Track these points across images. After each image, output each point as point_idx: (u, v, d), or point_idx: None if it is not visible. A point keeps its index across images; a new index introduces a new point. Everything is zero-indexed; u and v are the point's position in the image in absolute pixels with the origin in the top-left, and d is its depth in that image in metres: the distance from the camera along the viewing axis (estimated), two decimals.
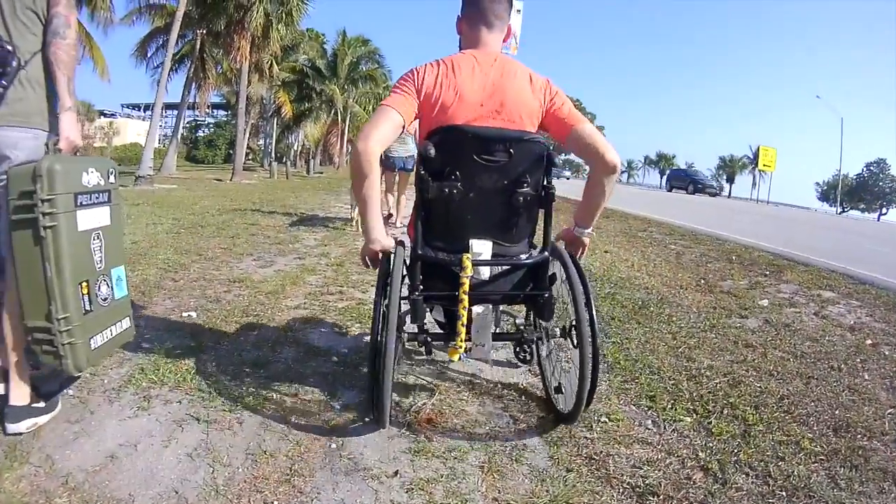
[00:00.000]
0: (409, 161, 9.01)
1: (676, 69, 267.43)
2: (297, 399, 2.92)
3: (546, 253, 2.63)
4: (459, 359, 2.61)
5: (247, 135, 37.30)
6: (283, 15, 23.47)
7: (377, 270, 2.61)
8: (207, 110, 53.92)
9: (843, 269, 6.99)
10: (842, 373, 3.68)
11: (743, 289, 5.91)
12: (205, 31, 24.68)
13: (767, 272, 6.75)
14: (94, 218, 2.36)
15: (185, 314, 4.11)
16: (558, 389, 2.83)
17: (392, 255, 2.54)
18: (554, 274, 2.70)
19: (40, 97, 2.30)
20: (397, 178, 9.50)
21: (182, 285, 4.94)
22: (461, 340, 2.47)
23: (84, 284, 2.31)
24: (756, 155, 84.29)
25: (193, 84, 28.34)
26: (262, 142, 43.22)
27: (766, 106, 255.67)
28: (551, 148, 2.52)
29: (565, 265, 2.58)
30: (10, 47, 2.18)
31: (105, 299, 2.44)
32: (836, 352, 4.08)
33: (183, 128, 59.72)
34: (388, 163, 8.92)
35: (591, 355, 2.44)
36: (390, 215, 9.37)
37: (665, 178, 42.93)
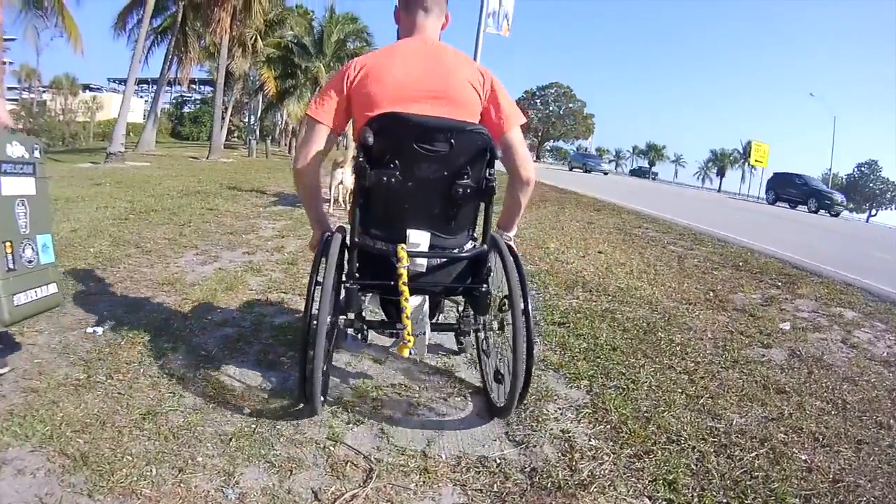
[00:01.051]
0: None
1: (670, 62, 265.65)
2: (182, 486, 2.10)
3: (484, 246, 2.59)
4: (410, 353, 2.48)
5: (229, 112, 36.43)
6: None
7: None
8: (193, 86, 52.96)
9: (860, 283, 6.22)
10: (893, 432, 2.97)
11: (757, 304, 5.14)
12: (186, 3, 23.48)
13: (780, 283, 5.98)
14: (18, 185, 2.56)
15: (90, 329, 3.42)
16: (497, 378, 2.76)
17: (330, 240, 2.51)
18: (489, 267, 2.64)
19: None
20: None
21: (102, 287, 4.30)
22: (407, 333, 2.41)
23: (8, 244, 2.48)
24: (746, 150, 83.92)
25: (175, 58, 27.24)
26: (246, 119, 42.26)
27: (758, 102, 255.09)
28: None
29: (502, 257, 2.55)
30: None
31: (30, 261, 2.60)
32: (878, 399, 3.37)
33: (168, 104, 59.21)
34: None
35: (524, 350, 2.41)
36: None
37: (766, 187, 32.63)
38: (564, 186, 18.68)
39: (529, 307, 2.44)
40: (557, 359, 3.51)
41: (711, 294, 5.35)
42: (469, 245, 2.62)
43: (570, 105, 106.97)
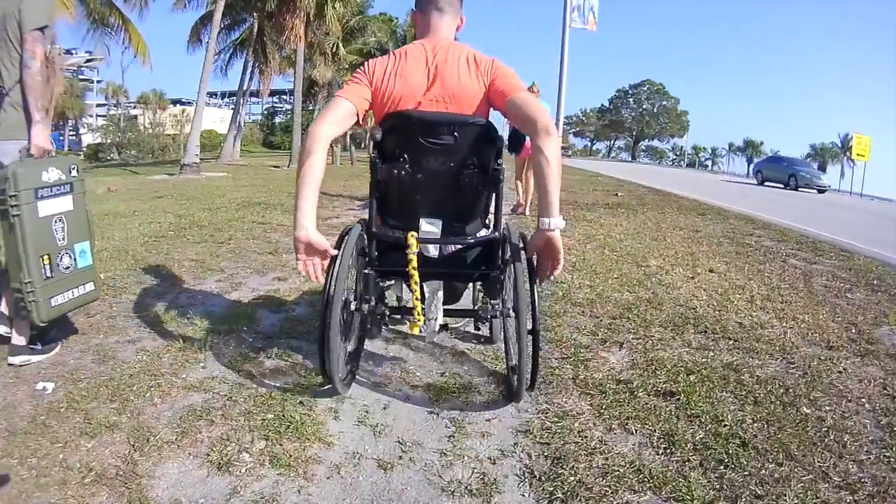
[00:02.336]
0: None
1: (766, 55, 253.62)
2: None
3: (495, 233, 2.67)
4: (420, 331, 2.61)
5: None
6: None
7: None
8: (284, 96, 53.64)
9: None
10: None
11: None
12: (262, 14, 23.10)
13: None
14: (54, 206, 2.91)
15: (41, 384, 2.86)
16: (513, 369, 2.71)
17: (350, 230, 2.60)
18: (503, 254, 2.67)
19: (20, 115, 2.91)
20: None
21: (85, 327, 3.64)
22: (418, 314, 2.54)
23: (46, 257, 2.87)
24: (845, 143, 78.76)
25: (255, 70, 27.05)
26: None
27: (860, 93, 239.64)
28: (497, 131, 2.53)
29: (509, 246, 2.59)
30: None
31: (67, 268, 3.00)
32: None
33: (260, 114, 60.32)
34: None
35: (529, 333, 2.44)
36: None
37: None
38: (661, 187, 17.17)
39: (535, 296, 2.49)
40: (660, 465, 2.27)
41: (853, 330, 4.07)
42: (483, 232, 2.74)
43: (664, 103, 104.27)
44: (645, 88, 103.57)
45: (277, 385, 2.87)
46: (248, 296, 4.36)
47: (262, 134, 55.48)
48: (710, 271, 5.59)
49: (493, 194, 2.65)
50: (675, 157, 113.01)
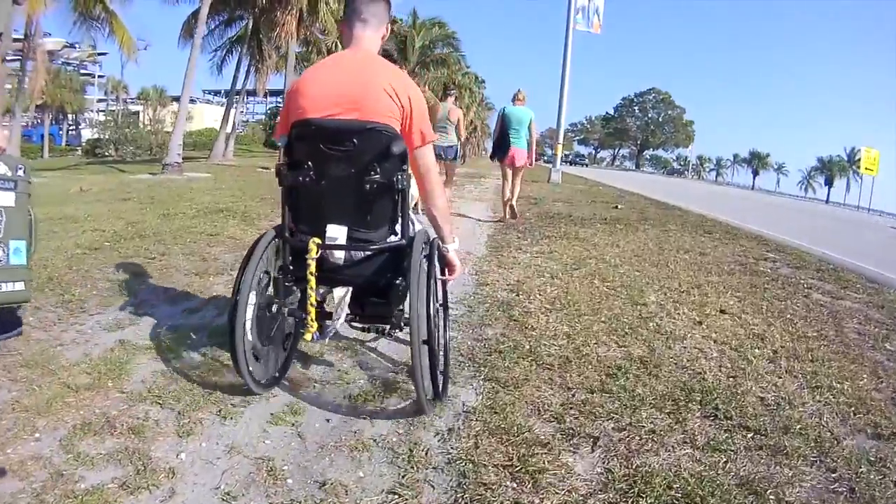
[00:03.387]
0: (449, 150, 9.44)
1: (772, 65, 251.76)
2: None
3: (402, 240, 2.68)
4: (313, 339, 2.67)
5: None
6: None
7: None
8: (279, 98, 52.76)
9: None
10: None
11: None
12: (257, 11, 22.09)
13: None
14: None
15: None
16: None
17: (262, 236, 2.74)
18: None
19: None
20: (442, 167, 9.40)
21: None
22: (311, 320, 2.61)
23: None
24: (851, 157, 77.49)
25: (252, 68, 26.07)
26: None
27: (868, 107, 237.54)
28: (400, 138, 2.53)
29: (411, 256, 2.58)
30: None
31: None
32: None
33: (263, 114, 59.34)
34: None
35: (419, 345, 2.46)
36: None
37: None
38: (666, 200, 16.16)
39: (431, 309, 2.49)
40: None
41: None
42: (392, 239, 2.71)
43: (669, 112, 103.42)
44: (651, 97, 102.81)
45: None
46: (138, 335, 3.51)
47: (265, 134, 54.47)
48: (722, 312, 4.57)
49: (400, 201, 2.64)
50: (679, 167, 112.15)
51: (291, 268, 2.75)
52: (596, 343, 3.65)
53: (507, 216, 9.30)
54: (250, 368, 2.64)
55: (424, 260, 2.59)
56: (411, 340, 2.46)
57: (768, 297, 5.23)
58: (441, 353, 2.81)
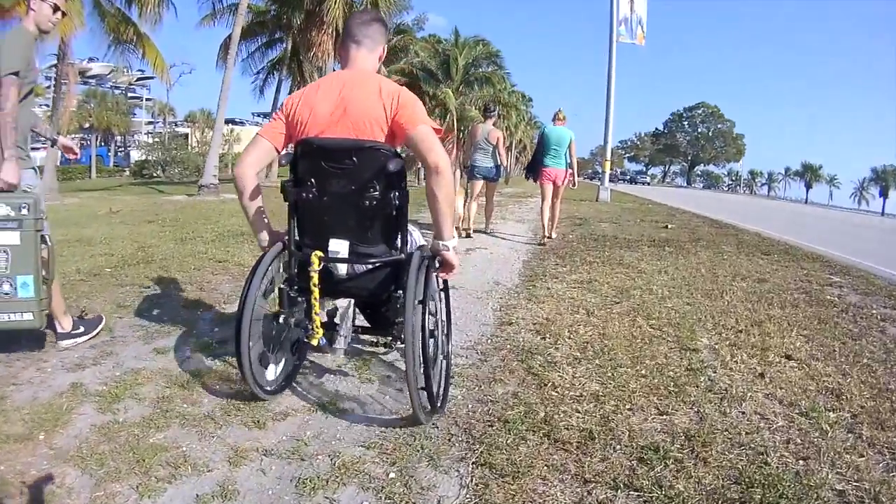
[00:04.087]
0: (491, 171, 9.38)
1: (823, 76, 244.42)
2: None
3: (401, 255, 2.77)
4: (319, 344, 2.80)
5: None
6: (369, 6, 19.99)
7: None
8: None
9: None
10: None
11: None
12: (291, 30, 21.86)
13: None
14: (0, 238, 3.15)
15: None
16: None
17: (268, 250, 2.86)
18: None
19: None
20: (483, 187, 9.71)
21: None
22: (316, 327, 2.74)
23: None
24: None
25: (293, 89, 25.90)
26: None
27: None
28: (397, 155, 2.64)
29: (408, 269, 2.61)
30: None
31: (6, 293, 3.16)
32: None
33: None
34: (471, 173, 9.42)
35: (413, 357, 2.49)
36: (468, 227, 9.49)
37: None
38: (719, 217, 15.23)
39: (425, 320, 2.59)
40: None
41: None
42: (392, 254, 2.79)
43: (719, 126, 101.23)
44: (700, 111, 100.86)
45: None
46: (95, 378, 3.19)
47: None
48: (787, 357, 3.79)
49: (398, 217, 2.74)
50: (730, 182, 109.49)
51: (297, 279, 2.83)
52: (630, 409, 2.93)
53: (545, 237, 8.95)
54: (255, 376, 2.76)
55: (422, 274, 2.61)
56: (405, 353, 2.50)
57: (839, 334, 4.43)
58: (443, 363, 3.01)
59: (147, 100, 49.77)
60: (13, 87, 3.11)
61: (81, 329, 3.66)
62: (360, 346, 3.66)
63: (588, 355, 3.68)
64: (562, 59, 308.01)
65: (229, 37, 20.58)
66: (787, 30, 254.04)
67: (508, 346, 3.83)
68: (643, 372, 3.41)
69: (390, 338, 2.99)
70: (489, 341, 3.95)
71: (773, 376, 3.45)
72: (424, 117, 2.65)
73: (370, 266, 2.77)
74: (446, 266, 2.85)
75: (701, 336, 4.17)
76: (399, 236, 2.78)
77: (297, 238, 2.83)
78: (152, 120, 51.69)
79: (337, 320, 3.05)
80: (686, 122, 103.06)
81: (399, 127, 2.61)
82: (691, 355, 3.74)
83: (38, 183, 3.56)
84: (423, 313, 2.56)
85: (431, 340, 2.77)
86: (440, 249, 2.79)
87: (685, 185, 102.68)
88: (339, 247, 2.69)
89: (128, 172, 35.95)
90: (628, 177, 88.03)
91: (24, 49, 3.25)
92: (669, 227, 11.93)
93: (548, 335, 4.05)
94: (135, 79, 41.24)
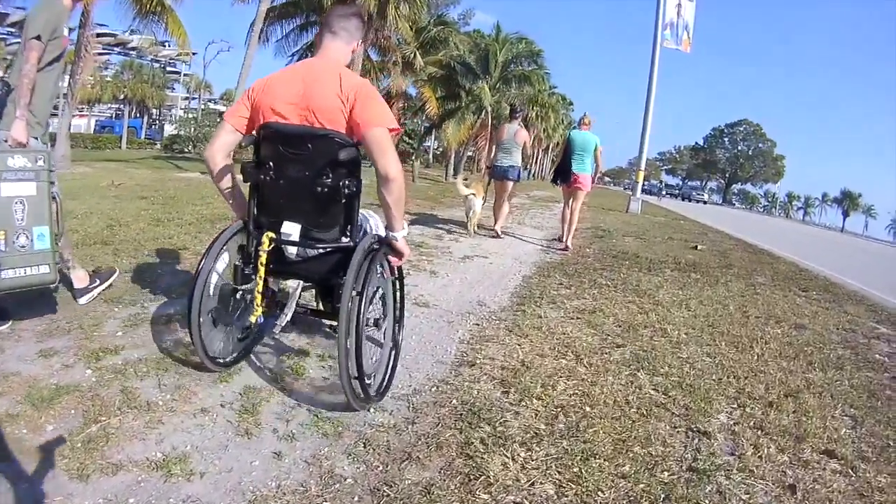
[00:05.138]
0: (510, 171, 9.04)
1: (871, 100, 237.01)
2: None
3: (346, 242, 2.77)
4: (257, 321, 2.78)
5: None
6: None
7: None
8: None
9: None
10: None
11: None
12: (322, 13, 20.99)
13: None
14: (17, 189, 3.10)
15: None
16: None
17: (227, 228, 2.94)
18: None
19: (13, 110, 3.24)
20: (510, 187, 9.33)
21: None
22: (256, 304, 2.73)
23: (2, 233, 3.05)
24: None
25: None
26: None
27: None
28: (351, 145, 2.64)
29: (354, 256, 2.64)
30: (9, 83, 3.29)
31: (23, 247, 3.13)
32: None
33: None
34: (493, 172, 9.22)
35: (344, 346, 2.51)
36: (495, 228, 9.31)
37: None
38: (751, 239, 14.08)
39: (361, 305, 2.54)
40: None
41: None
42: (343, 241, 2.79)
43: (760, 145, 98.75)
44: (741, 128, 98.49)
45: None
46: None
47: None
48: (828, 455, 2.79)
49: (350, 205, 2.73)
50: (767, 203, 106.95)
51: (252, 257, 2.83)
52: None
53: (564, 240, 8.79)
54: (205, 347, 2.81)
55: (364, 265, 2.62)
56: (338, 342, 2.52)
57: (892, 414, 3.46)
58: (392, 352, 3.05)
59: (185, 75, 49.51)
60: (34, 51, 3.21)
61: (98, 281, 3.84)
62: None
63: (556, 431, 2.72)
64: (607, 64, 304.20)
65: (263, 17, 19.92)
66: (840, 50, 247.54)
67: (454, 401, 2.93)
68: (625, 470, 2.43)
69: (335, 322, 2.84)
70: (433, 390, 3.06)
71: (807, 490, 2.47)
72: (382, 118, 2.64)
73: (321, 251, 2.83)
74: (397, 254, 2.91)
75: (719, 408, 3.19)
76: (350, 224, 2.78)
77: (256, 217, 2.86)
78: (188, 96, 51.47)
79: (281, 299, 3.08)
80: (727, 139, 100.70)
81: (355, 124, 2.62)
82: (700, 443, 2.77)
83: (47, 147, 3.56)
84: (360, 304, 2.54)
85: (374, 329, 2.85)
86: (391, 240, 2.85)
87: (720, 202, 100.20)
88: (291, 229, 2.74)
89: (158, 146, 35.49)
90: (678, 191, 74.13)
91: (51, 17, 3.33)
92: (699, 247, 10.80)
93: (513, 389, 3.11)
94: (175, 54, 40.90)
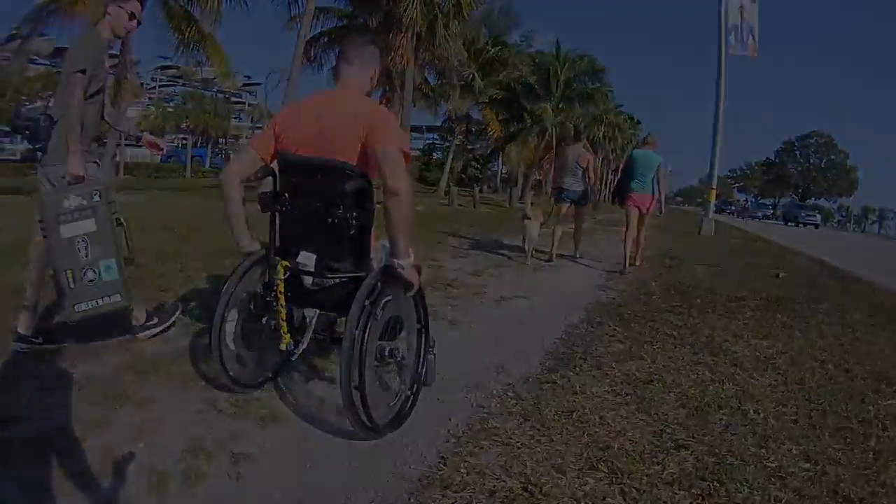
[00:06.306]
0: (576, 194, 8.86)
1: None
2: None
3: (360, 273, 2.75)
4: (286, 349, 2.81)
5: (449, 156, 34.01)
6: (450, 6, 18.32)
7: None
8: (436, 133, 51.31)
9: None
10: None
11: None
12: (373, 33, 20.49)
13: None
14: (77, 228, 3.15)
15: None
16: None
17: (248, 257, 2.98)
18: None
19: (64, 144, 3.26)
20: (571, 210, 9.12)
21: None
22: (283, 332, 2.78)
23: (69, 272, 3.15)
24: None
25: (381, 99, 24.34)
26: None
27: None
28: (362, 175, 2.67)
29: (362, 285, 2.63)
30: (53, 116, 3.32)
31: (91, 281, 3.19)
32: None
33: (419, 149, 57.47)
34: (559, 196, 8.99)
35: (348, 379, 2.47)
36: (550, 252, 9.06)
37: None
38: (835, 260, 12.45)
39: (357, 333, 2.48)
40: None
41: None
42: (356, 271, 2.78)
43: (832, 157, 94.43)
44: (812, 140, 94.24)
45: None
46: None
47: (419, 171, 51.73)
48: None
49: (360, 235, 2.74)
50: (841, 217, 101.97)
51: (273, 286, 2.82)
52: None
53: (626, 267, 8.36)
54: (230, 371, 2.89)
55: (367, 303, 2.56)
56: (340, 380, 2.50)
57: None
58: (413, 389, 2.94)
59: (250, 105, 50.18)
60: (79, 85, 3.22)
61: (156, 320, 3.80)
62: None
63: None
64: (673, 82, 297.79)
65: (312, 39, 19.42)
66: None
67: None
68: None
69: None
70: None
71: None
72: (396, 139, 2.65)
73: (337, 280, 2.82)
74: (405, 285, 2.74)
75: None
76: (362, 255, 2.79)
77: (277, 246, 2.90)
78: (252, 125, 51.91)
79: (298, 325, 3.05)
80: (798, 152, 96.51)
81: (370, 142, 2.62)
82: None
83: (101, 173, 3.71)
84: (362, 340, 2.48)
85: (388, 356, 2.79)
86: (396, 269, 2.68)
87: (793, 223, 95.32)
88: (307, 259, 2.78)
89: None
90: (773, 210, 63.79)
91: (93, 51, 3.37)
92: (780, 275, 9.24)
93: None
94: (240, 84, 41.43)
